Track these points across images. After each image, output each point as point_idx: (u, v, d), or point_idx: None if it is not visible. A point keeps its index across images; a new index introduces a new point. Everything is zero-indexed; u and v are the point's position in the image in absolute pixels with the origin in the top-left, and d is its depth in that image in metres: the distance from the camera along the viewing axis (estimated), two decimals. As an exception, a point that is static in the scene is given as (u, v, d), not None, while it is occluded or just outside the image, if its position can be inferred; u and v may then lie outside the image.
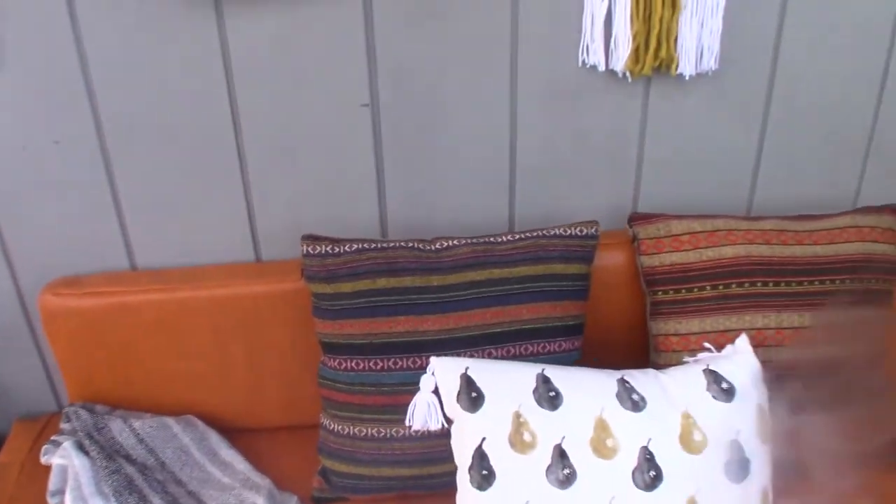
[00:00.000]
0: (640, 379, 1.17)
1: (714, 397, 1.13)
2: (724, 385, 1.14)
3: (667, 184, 1.40)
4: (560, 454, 1.09)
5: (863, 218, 1.31)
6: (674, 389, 1.15)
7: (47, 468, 1.29)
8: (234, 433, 1.39)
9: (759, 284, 1.24)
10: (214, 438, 1.36)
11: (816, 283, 1.25)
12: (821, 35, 1.32)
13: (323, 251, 1.21)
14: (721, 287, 1.25)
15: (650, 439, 1.10)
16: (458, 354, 1.19)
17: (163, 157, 1.29)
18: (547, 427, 1.11)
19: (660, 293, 1.30)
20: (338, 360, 1.22)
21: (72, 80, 1.21)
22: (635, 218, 1.33)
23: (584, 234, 1.27)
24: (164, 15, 1.18)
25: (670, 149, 1.37)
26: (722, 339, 1.22)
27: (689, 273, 1.27)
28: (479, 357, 1.21)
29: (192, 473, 1.31)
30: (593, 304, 1.33)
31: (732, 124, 1.36)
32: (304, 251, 1.21)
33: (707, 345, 1.23)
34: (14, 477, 1.32)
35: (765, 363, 1.19)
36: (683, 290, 1.27)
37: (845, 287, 1.25)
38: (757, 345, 1.23)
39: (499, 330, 1.21)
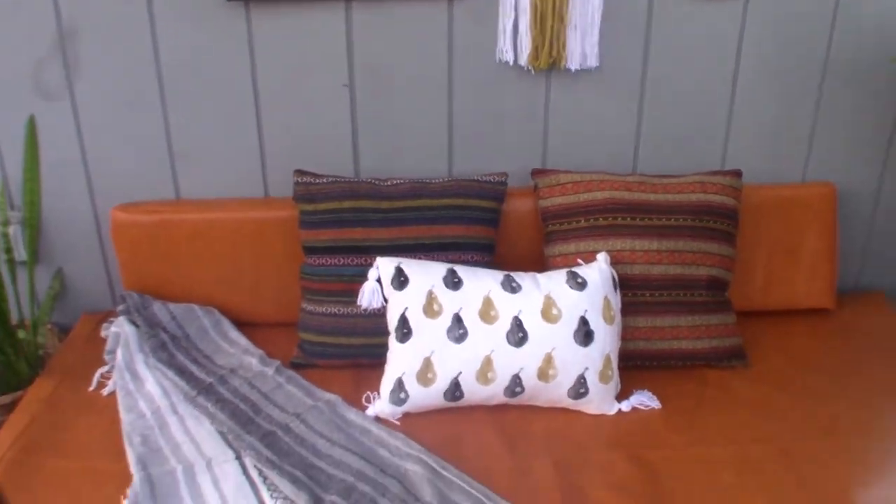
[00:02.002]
0: (522, 275, 1.78)
1: (570, 287, 1.73)
2: (580, 280, 1.74)
3: (569, 152, 2.04)
4: (457, 320, 1.71)
5: (709, 177, 1.92)
6: (543, 282, 1.76)
7: (104, 339, 1.97)
8: (243, 325, 2.05)
9: (619, 219, 1.85)
10: (226, 324, 2.02)
11: (664, 219, 1.85)
12: (682, 43, 1.96)
13: (308, 181, 1.89)
14: (592, 220, 1.86)
15: (520, 311, 1.71)
16: (397, 256, 1.83)
17: (205, 120, 2.00)
18: (450, 301, 1.73)
19: (550, 226, 1.92)
20: (313, 259, 1.88)
21: (146, 60, 1.93)
22: (535, 172, 1.97)
23: (494, 181, 1.93)
24: (209, 14, 1.89)
25: (569, 125, 2.02)
26: (591, 258, 1.82)
27: (571, 210, 1.89)
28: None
29: (207, 345, 1.97)
30: (510, 235, 1.99)
31: (616, 108, 2.01)
32: (295, 180, 1.90)
33: (580, 260, 1.84)
34: (81, 344, 2.01)
35: (621, 277, 1.81)
36: (566, 223, 1.89)
37: (687, 224, 1.85)
38: (616, 262, 1.84)
39: (427, 241, 1.85)
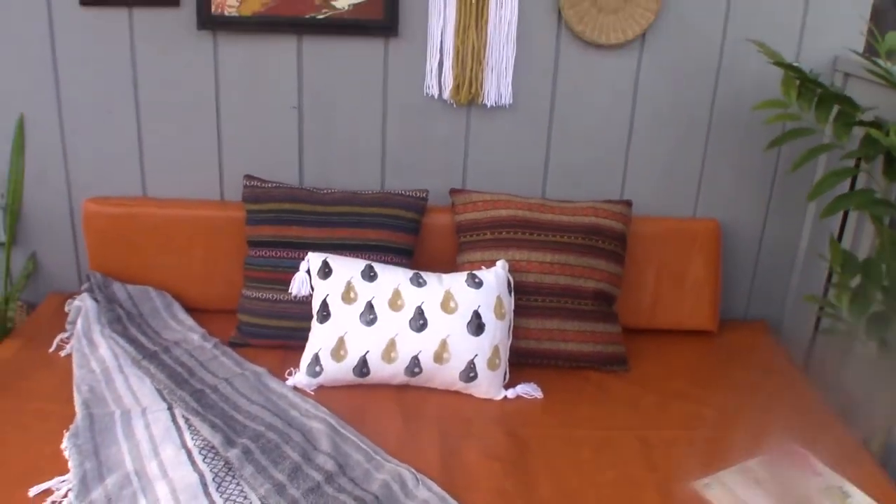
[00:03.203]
0: (429, 274, 2.14)
1: (468, 285, 2.09)
2: (477, 280, 2.10)
3: (485, 177, 2.43)
4: (370, 307, 2.06)
5: (601, 204, 2.29)
6: (446, 279, 2.12)
7: (67, 314, 2.32)
8: (193, 310, 2.40)
9: (519, 233, 2.21)
10: (177, 306, 2.38)
11: (558, 236, 2.21)
12: (584, 87, 2.36)
13: (255, 184, 2.28)
14: (496, 233, 2.23)
15: (423, 302, 2.06)
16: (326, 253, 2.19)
17: (172, 130, 2.39)
18: (365, 291, 2.08)
19: (462, 237, 2.29)
20: (255, 251, 2.24)
21: (125, 76, 2.33)
22: (453, 191, 2.36)
23: (416, 195, 2.31)
24: (182, 40, 2.29)
25: (486, 153, 2.41)
26: (493, 265, 2.18)
27: (480, 224, 2.26)
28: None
29: (157, 322, 2.32)
30: (431, 246, 2.37)
31: (527, 140, 2.41)
32: (245, 183, 2.29)
33: (483, 266, 2.20)
34: (46, 317, 2.36)
35: (518, 283, 2.17)
36: (475, 235, 2.26)
37: (578, 242, 2.21)
38: (514, 270, 2.19)
39: (354, 242, 2.22)
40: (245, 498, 1.69)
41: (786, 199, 2.50)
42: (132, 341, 2.19)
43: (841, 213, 2.36)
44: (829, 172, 1.97)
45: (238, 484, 1.73)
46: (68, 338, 2.23)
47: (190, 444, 1.83)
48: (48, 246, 2.52)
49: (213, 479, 1.73)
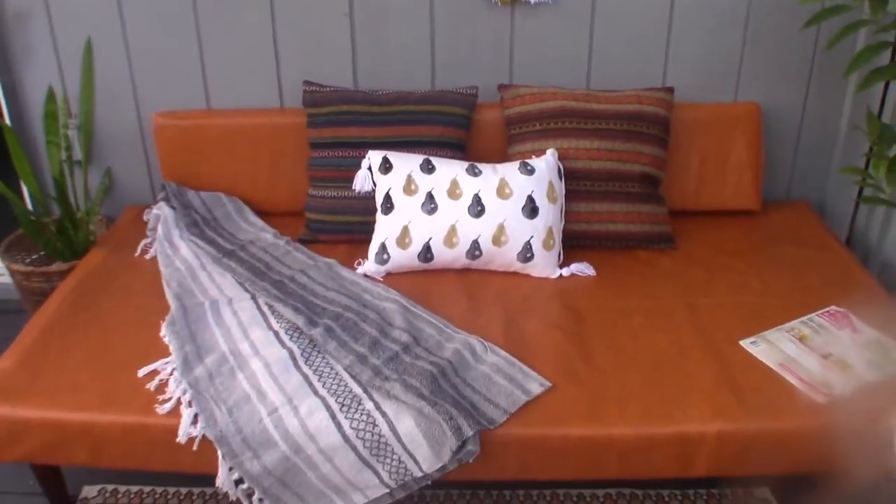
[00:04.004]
0: (484, 165, 2.31)
1: (521, 172, 2.26)
2: (529, 168, 2.26)
3: (531, 70, 2.56)
4: (430, 197, 2.24)
5: (644, 92, 2.42)
6: (500, 168, 2.28)
7: (146, 223, 2.54)
8: (261, 213, 2.60)
9: (566, 123, 2.37)
10: (247, 210, 2.58)
11: (603, 123, 2.36)
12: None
13: (314, 89, 2.45)
14: (544, 124, 2.38)
15: (480, 189, 2.23)
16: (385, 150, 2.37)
17: (231, 43, 2.55)
18: (424, 182, 2.26)
19: (511, 130, 2.45)
20: (317, 152, 2.43)
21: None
22: (501, 87, 2.50)
23: (466, 92, 2.46)
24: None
25: (531, 49, 2.54)
26: (543, 154, 2.34)
27: (528, 117, 2.41)
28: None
29: (231, 225, 2.52)
30: (481, 140, 2.52)
31: (570, 35, 2.53)
32: (304, 89, 2.45)
33: (533, 156, 2.37)
34: (127, 227, 2.58)
35: (567, 170, 2.33)
36: (524, 127, 2.42)
37: (623, 128, 2.36)
38: (563, 158, 2.35)
39: (409, 139, 2.39)
40: (331, 369, 1.91)
41: (825, 79, 2.60)
42: (210, 242, 2.40)
43: (881, 92, 2.47)
44: (865, 47, 2.09)
45: (324, 357, 1.94)
46: (151, 243, 2.45)
47: (276, 326, 2.05)
48: (122, 162, 2.73)
49: (301, 354, 1.95)
